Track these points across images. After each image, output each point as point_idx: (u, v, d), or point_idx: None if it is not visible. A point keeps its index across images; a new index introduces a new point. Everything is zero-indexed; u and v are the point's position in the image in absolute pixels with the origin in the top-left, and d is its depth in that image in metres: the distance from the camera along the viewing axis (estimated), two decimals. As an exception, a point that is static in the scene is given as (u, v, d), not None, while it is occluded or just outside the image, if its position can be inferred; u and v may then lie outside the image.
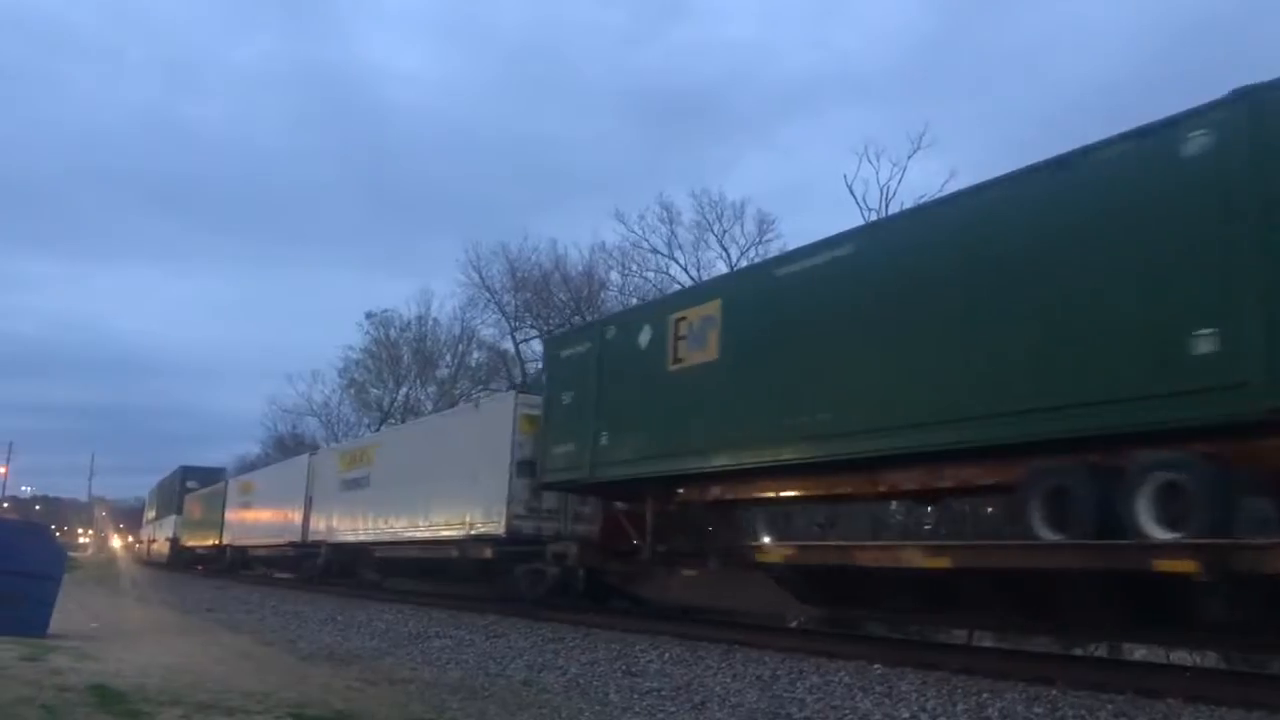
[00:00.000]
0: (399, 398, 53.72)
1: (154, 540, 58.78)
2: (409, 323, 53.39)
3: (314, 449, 37.00)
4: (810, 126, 69.49)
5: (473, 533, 18.03)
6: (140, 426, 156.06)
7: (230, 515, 37.73)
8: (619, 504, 16.12)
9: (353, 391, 56.44)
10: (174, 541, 48.20)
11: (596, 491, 15.88)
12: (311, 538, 27.88)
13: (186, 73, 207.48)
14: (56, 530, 60.87)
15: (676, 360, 13.26)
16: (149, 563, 58.16)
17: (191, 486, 48.33)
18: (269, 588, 27.58)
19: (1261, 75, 7.71)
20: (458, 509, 18.75)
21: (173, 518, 49.65)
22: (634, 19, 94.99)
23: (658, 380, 13.48)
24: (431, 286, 72.69)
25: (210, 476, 49.61)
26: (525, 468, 16.86)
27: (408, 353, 53.80)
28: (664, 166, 74.54)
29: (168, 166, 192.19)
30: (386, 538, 22.44)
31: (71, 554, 35.82)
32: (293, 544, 29.54)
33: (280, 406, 64.40)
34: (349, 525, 24.86)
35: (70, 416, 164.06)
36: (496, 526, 17.12)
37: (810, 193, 63.12)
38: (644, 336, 13.98)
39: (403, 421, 45.65)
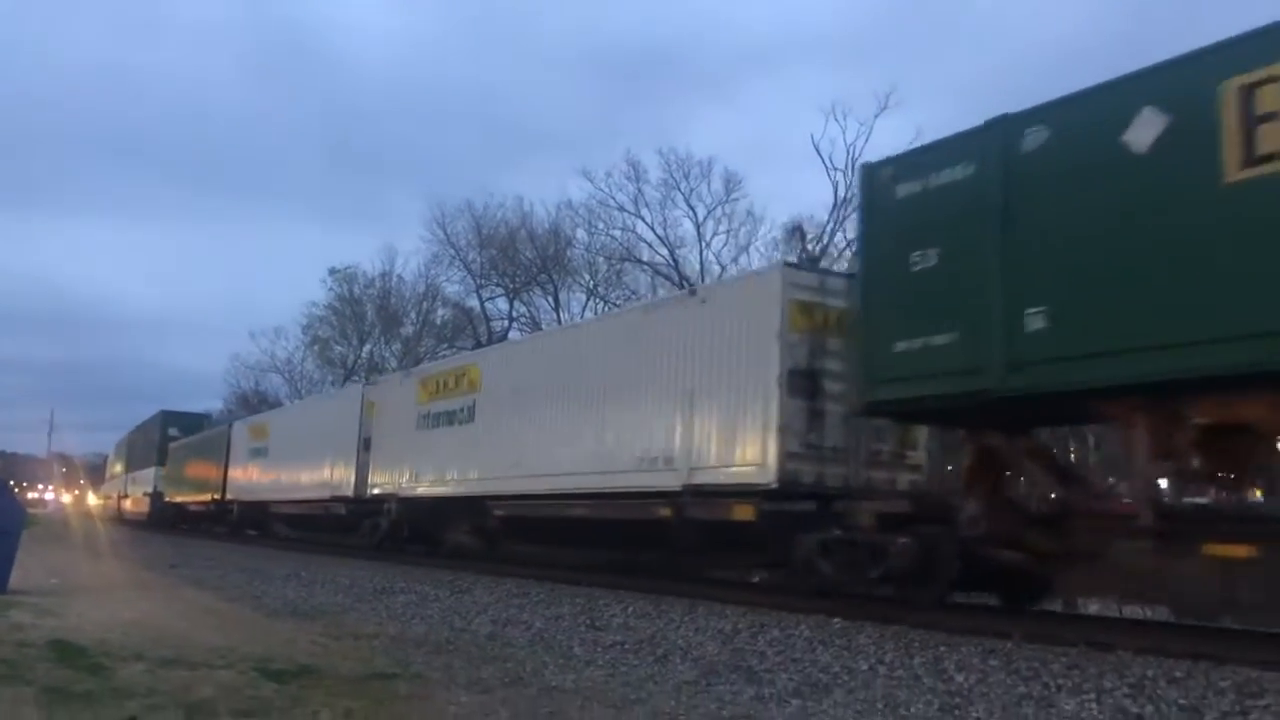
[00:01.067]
0: (363, 355, 53.42)
1: (125, 496, 53.19)
2: (373, 279, 53.00)
3: (370, 378, 33.92)
4: (772, 85, 69.27)
5: (700, 480, 12.44)
6: (99, 382, 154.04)
7: (236, 466, 32.02)
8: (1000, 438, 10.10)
9: (316, 348, 56.05)
10: (155, 497, 43.59)
11: (1008, 411, 9.33)
12: (372, 491, 22.02)
13: (137, 21, 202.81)
14: (15, 486, 59.38)
15: (1253, 160, 7.38)
16: (119, 520, 53.01)
17: (174, 435, 43.45)
18: (233, 544, 27.42)
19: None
20: (666, 444, 13.06)
21: (151, 470, 44.55)
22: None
23: (1195, 202, 7.72)
24: (396, 243, 72.04)
25: (194, 423, 45.49)
26: (800, 382, 11.52)
27: (372, 310, 53.43)
28: (627, 124, 74.06)
29: (119, 117, 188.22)
30: (509, 489, 16.66)
31: (31, 510, 35.34)
32: (340, 499, 23.74)
33: (243, 363, 63.85)
34: (432, 475, 19.47)
35: (28, 372, 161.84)
36: (759, 472, 11.55)
37: (775, 151, 62.92)
38: (1142, 130, 8.04)
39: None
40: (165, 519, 41.15)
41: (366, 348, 53.65)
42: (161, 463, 43.21)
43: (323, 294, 54.77)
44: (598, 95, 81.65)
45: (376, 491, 21.23)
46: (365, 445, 22.20)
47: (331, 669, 8.20)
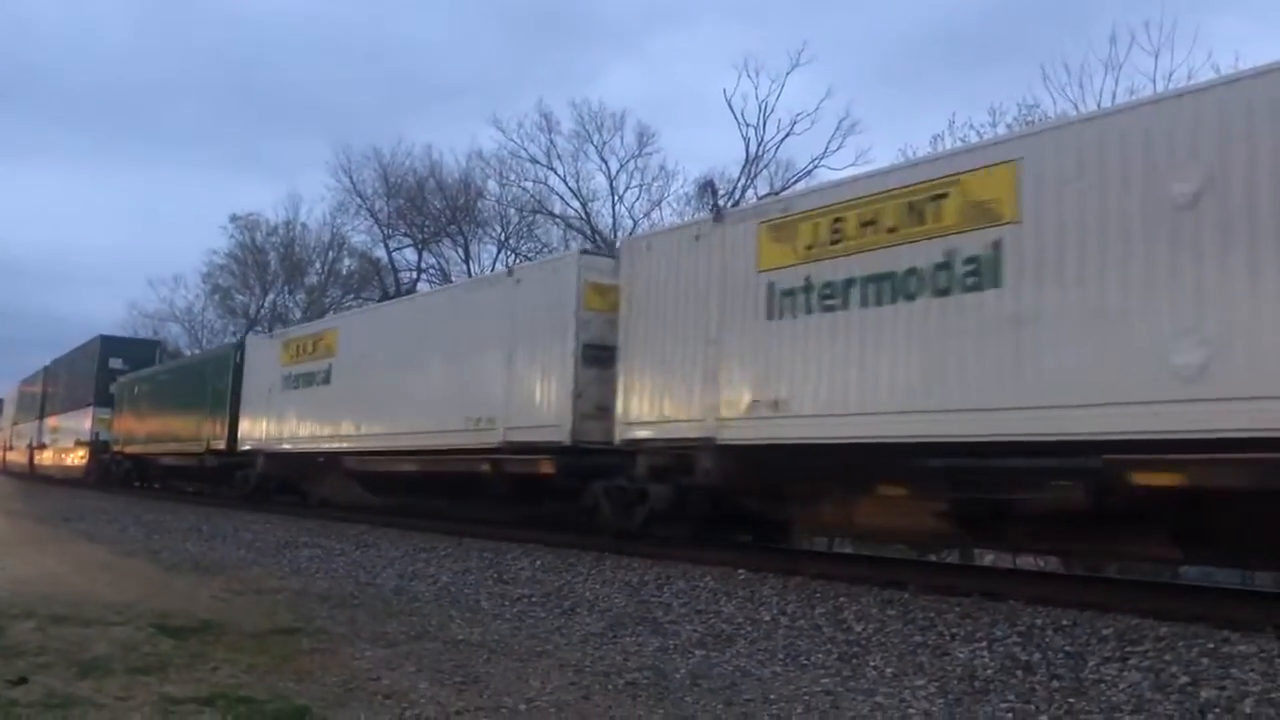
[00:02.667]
0: (265, 305, 52.20)
1: (38, 446, 43.10)
2: (275, 227, 51.68)
3: (273, 328, 33.79)
4: (681, 39, 68.73)
5: (514, 438, 13.72)
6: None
7: (261, 395, 21.83)
8: None
9: (217, 298, 54.60)
10: (96, 447, 33.74)
11: None
12: (243, 446, 22.18)
13: None
14: None
15: None
16: (24, 476, 45.27)
17: (118, 367, 34.72)
18: (132, 496, 26.71)
19: None
20: (488, 406, 14.29)
21: (87, 413, 34.88)
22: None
23: None
24: (300, 191, 70.28)
25: (145, 352, 37.00)
26: (593, 353, 12.94)
27: (275, 258, 52.17)
28: (535, 75, 72.70)
29: (3, 55, 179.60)
30: (358, 447, 17.76)
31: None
32: (213, 452, 23.45)
33: (141, 311, 61.85)
34: (295, 432, 20.00)
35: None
36: (558, 431, 12.96)
37: (686, 107, 62.69)
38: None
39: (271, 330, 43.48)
40: (115, 474, 32.13)
41: (270, 297, 52.44)
42: (104, 403, 33.91)
43: (224, 241, 53.29)
44: (505, 45, 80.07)
45: (247, 447, 22.09)
46: (235, 401, 22.83)
47: (232, 624, 8.09)
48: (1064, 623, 6.88)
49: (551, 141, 39.73)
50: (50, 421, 41.54)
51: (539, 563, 11.12)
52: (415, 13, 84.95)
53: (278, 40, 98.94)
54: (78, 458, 35.76)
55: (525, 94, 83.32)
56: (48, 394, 43.32)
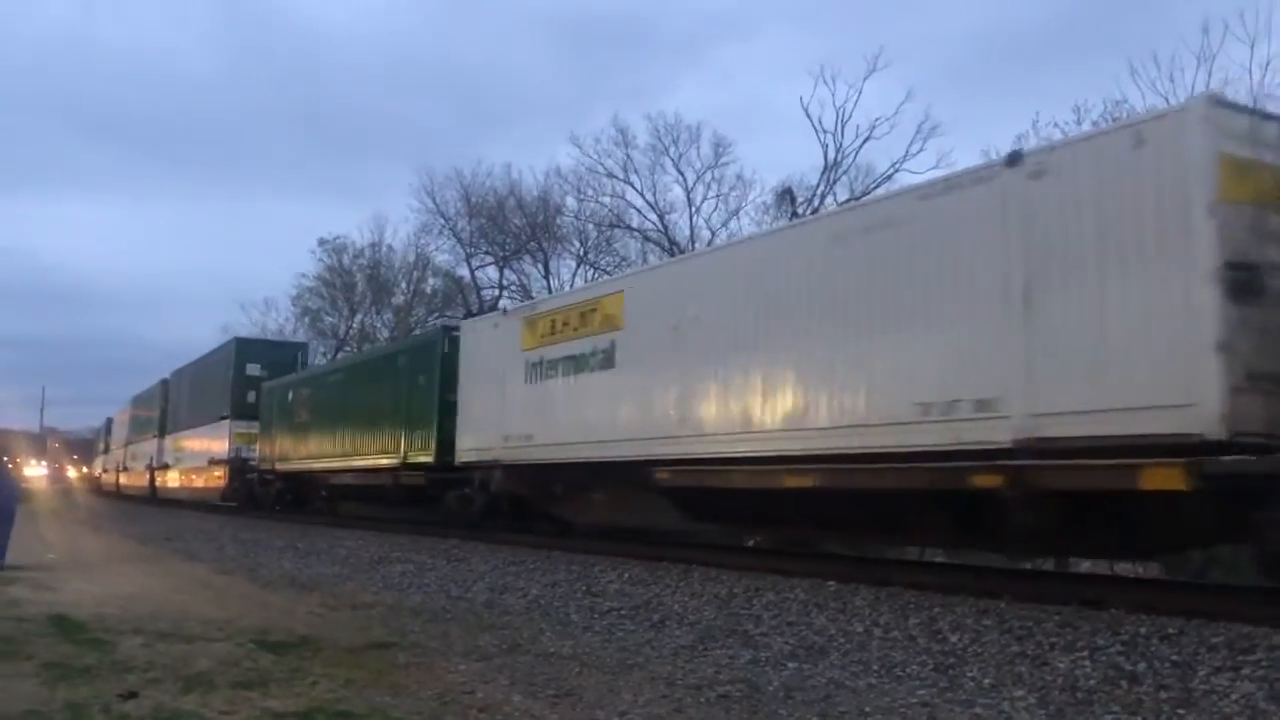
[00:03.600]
0: (354, 325, 53.19)
1: (159, 466, 39.30)
2: (362, 249, 52.61)
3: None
4: (747, 50, 68.53)
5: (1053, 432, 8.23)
6: (89, 358, 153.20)
7: (489, 391, 16.74)
8: None
9: (307, 320, 55.74)
10: (236, 465, 29.64)
11: None
12: (464, 458, 17.17)
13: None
14: (9, 462, 58.43)
15: None
16: (120, 495, 46.18)
17: (256, 374, 30.59)
18: (225, 515, 27.39)
19: None
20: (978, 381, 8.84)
21: (223, 426, 30.62)
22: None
23: None
24: (383, 214, 71.59)
25: (284, 355, 32.57)
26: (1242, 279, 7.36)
27: (362, 280, 53.09)
28: (607, 91, 73.21)
29: (92, 92, 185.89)
30: (677, 452, 12.40)
31: (25, 486, 35.15)
32: (413, 467, 19.09)
33: (233, 334, 63.46)
34: (553, 435, 15.02)
35: (16, 348, 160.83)
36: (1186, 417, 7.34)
37: (756, 117, 62.37)
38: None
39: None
40: (264, 499, 27.73)
41: (358, 318, 53.35)
42: (244, 415, 29.83)
43: (312, 265, 54.39)
44: (574, 63, 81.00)
45: (470, 458, 16.93)
46: (446, 402, 17.93)
47: (329, 639, 8.24)
48: (1170, 631, 6.66)
49: (628, 156, 39.81)
50: (174, 439, 37.35)
51: (626, 575, 11.12)
52: (485, 36, 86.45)
53: (355, 69, 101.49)
54: (213, 478, 31.28)
55: (597, 110, 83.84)
56: (169, 409, 39.18)
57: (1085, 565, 13.46)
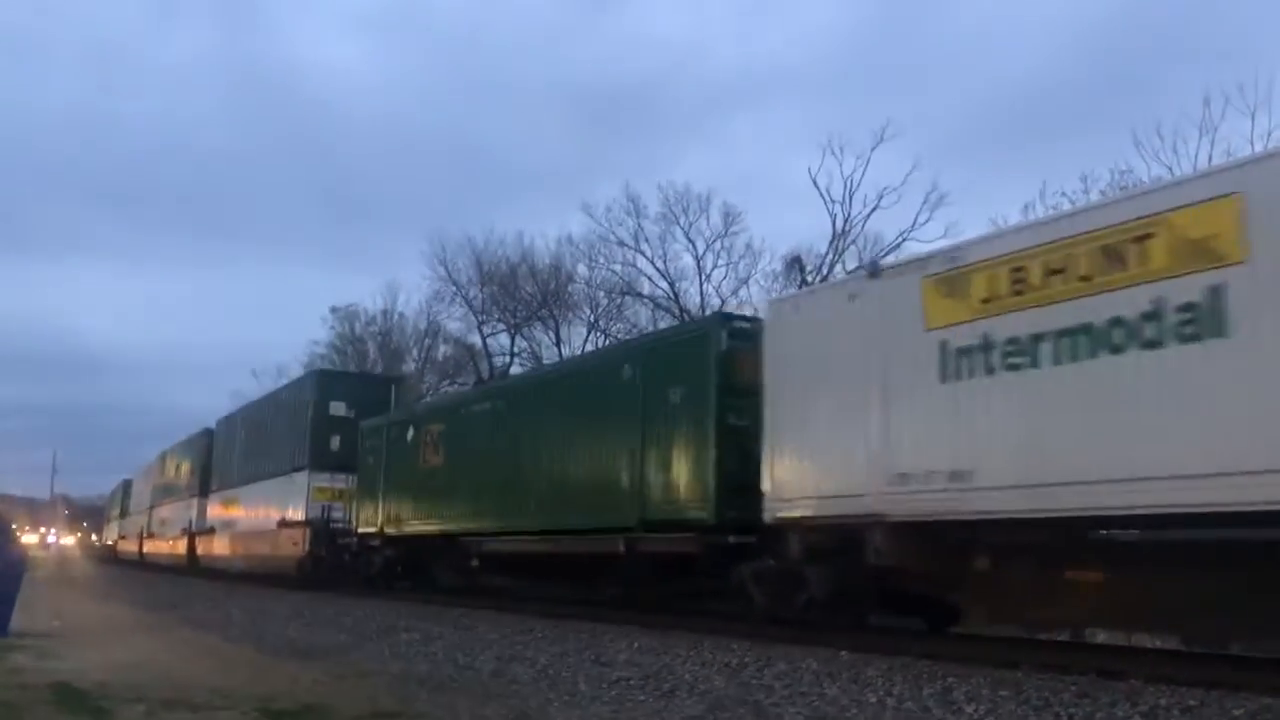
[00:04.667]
0: (365, 392, 53.24)
1: (198, 532, 33.85)
2: (374, 317, 52.99)
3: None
4: (750, 121, 69.77)
5: None
6: (100, 425, 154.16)
7: (848, 401, 10.62)
8: None
9: (319, 387, 55.90)
10: (320, 527, 23.47)
11: None
12: (778, 513, 11.30)
13: (118, 68, 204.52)
14: (18, 530, 57.87)
15: None
16: (143, 565, 41.56)
17: (341, 414, 24.68)
18: (231, 584, 27.20)
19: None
20: None
21: (299, 481, 24.61)
22: (561, 12, 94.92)
23: None
24: (398, 280, 72.23)
25: (373, 391, 26.19)
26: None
27: (373, 347, 53.39)
28: (613, 162, 74.54)
29: (106, 164, 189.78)
30: None
31: (33, 554, 34.81)
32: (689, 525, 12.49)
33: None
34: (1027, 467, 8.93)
35: (28, 415, 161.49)
36: None
37: (762, 186, 63.09)
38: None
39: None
40: (366, 572, 21.67)
41: (370, 385, 53.49)
42: (327, 465, 24.02)
43: (324, 332, 54.72)
44: (582, 135, 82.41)
45: (800, 512, 11.03)
46: (733, 427, 12.13)
47: (335, 708, 8.12)
48: (1190, 703, 6.53)
49: (639, 225, 40.21)
50: (223, 499, 31.53)
51: (636, 645, 10.97)
52: (495, 108, 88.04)
53: (368, 140, 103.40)
54: (284, 545, 24.55)
55: (604, 180, 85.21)
56: (214, 464, 33.55)
57: (1101, 636, 13.23)
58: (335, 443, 24.28)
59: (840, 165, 35.68)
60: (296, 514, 24.39)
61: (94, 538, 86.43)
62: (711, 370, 12.40)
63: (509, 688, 9.39)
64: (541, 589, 17.47)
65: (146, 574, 38.01)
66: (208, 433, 35.79)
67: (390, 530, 20.60)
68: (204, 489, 33.93)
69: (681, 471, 12.70)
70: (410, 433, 20.23)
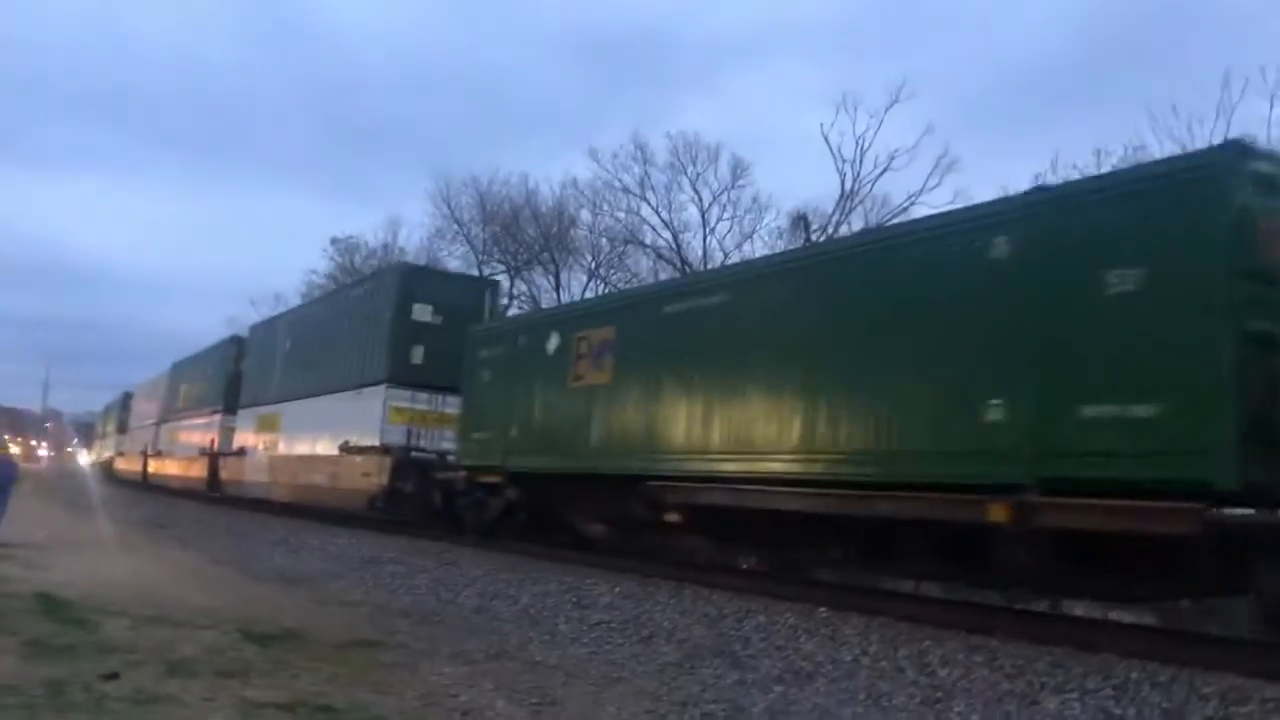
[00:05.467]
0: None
1: (224, 453, 29.33)
2: (374, 250, 52.72)
3: None
4: (760, 76, 69.04)
5: None
6: (91, 342, 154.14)
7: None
8: None
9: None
10: (401, 456, 18.83)
11: None
12: None
13: None
14: (10, 441, 57.72)
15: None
16: (147, 487, 38.27)
17: (425, 319, 20.22)
18: (220, 507, 27.28)
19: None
20: None
21: (374, 397, 19.93)
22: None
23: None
24: (400, 215, 71.89)
25: (465, 294, 21.50)
26: None
27: (373, 280, 53.25)
28: (621, 108, 73.90)
29: (109, 76, 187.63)
30: None
31: (24, 466, 34.70)
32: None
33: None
34: None
35: (21, 327, 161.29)
36: None
37: (765, 141, 62.62)
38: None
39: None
40: (480, 518, 16.62)
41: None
42: (409, 380, 19.70)
43: (323, 263, 54.44)
44: (588, 78, 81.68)
45: None
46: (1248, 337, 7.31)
47: (315, 634, 8.20)
48: (1161, 679, 6.58)
49: (645, 173, 39.93)
50: (256, 417, 27.12)
51: (618, 589, 11.06)
52: (502, 46, 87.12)
53: (371, 71, 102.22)
54: (354, 476, 19.75)
55: (608, 125, 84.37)
56: (245, 377, 29.27)
57: (1079, 609, 13.34)
58: (418, 354, 19.82)
59: (853, 124, 35.37)
60: (367, 438, 19.71)
61: (84, 452, 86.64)
62: (1220, 239, 7.39)
63: (490, 624, 9.48)
64: (794, 560, 12.85)
65: (133, 492, 37.98)
66: (235, 341, 32.03)
67: (518, 464, 15.20)
68: (230, 405, 29.84)
69: (1147, 399, 7.66)
70: (553, 341, 14.90)
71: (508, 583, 11.95)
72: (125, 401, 52.12)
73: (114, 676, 6.02)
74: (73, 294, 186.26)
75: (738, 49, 72.10)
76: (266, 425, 26.25)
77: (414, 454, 18.89)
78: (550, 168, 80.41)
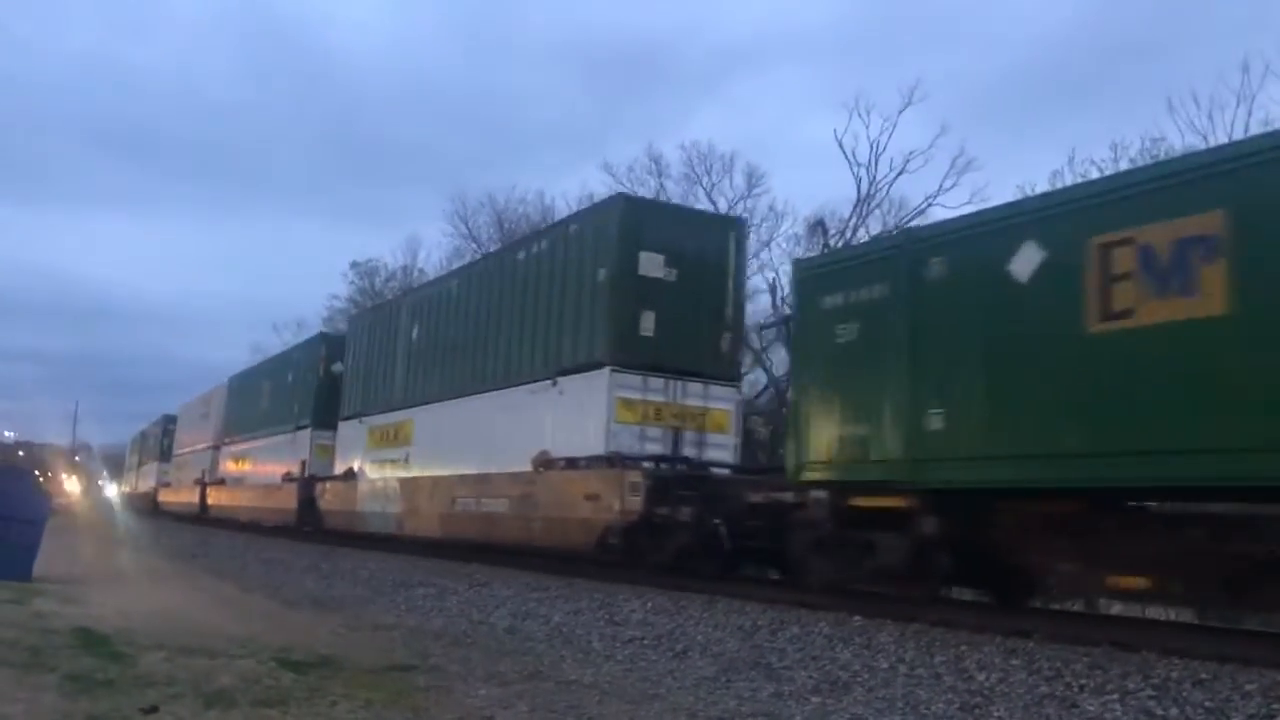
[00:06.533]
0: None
1: (321, 477, 23.45)
2: (394, 272, 52.98)
3: None
4: (765, 83, 69.23)
5: None
6: (120, 375, 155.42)
7: None
8: None
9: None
10: (654, 474, 13.06)
11: None
12: None
13: (128, 18, 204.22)
14: (40, 476, 57.77)
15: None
16: (198, 520, 34.12)
17: (655, 273, 14.17)
18: (250, 535, 27.42)
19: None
20: None
21: (595, 384, 13.89)
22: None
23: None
24: (418, 236, 72.32)
25: (703, 235, 15.09)
26: None
27: (395, 303, 53.48)
28: (628, 122, 74.06)
29: (118, 112, 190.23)
30: None
31: (56, 498, 34.71)
32: None
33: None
34: None
35: (45, 364, 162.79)
36: None
37: (777, 148, 62.46)
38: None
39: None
40: (824, 562, 10.62)
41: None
42: (641, 363, 14.00)
43: (344, 287, 54.74)
44: (597, 92, 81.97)
45: None
46: None
47: (350, 660, 8.22)
48: (1203, 676, 6.52)
49: (661, 184, 39.93)
50: (368, 433, 21.33)
51: (650, 604, 11.05)
52: (507, 65, 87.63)
53: (383, 95, 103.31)
54: (578, 502, 13.59)
55: (621, 138, 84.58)
56: (346, 380, 23.37)
57: (1116, 608, 13.25)
58: (648, 323, 14.10)
59: (867, 127, 35.27)
60: (581, 445, 14.05)
61: (116, 486, 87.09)
62: None
63: (523, 644, 9.48)
64: None
65: (162, 522, 38.07)
66: (323, 339, 26.80)
67: (949, 477, 9.24)
68: (320, 418, 24.31)
69: None
70: (1028, 256, 8.74)
71: (539, 601, 11.96)
72: (166, 426, 46.77)
73: (154, 710, 6.05)
74: (92, 329, 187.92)
75: (742, 57, 72.35)
76: (387, 439, 20.56)
77: (671, 466, 13.72)
78: (566, 183, 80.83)
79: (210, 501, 33.66)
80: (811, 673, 7.79)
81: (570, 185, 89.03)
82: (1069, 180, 23.25)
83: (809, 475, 10.61)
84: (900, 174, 34.38)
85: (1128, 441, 7.80)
